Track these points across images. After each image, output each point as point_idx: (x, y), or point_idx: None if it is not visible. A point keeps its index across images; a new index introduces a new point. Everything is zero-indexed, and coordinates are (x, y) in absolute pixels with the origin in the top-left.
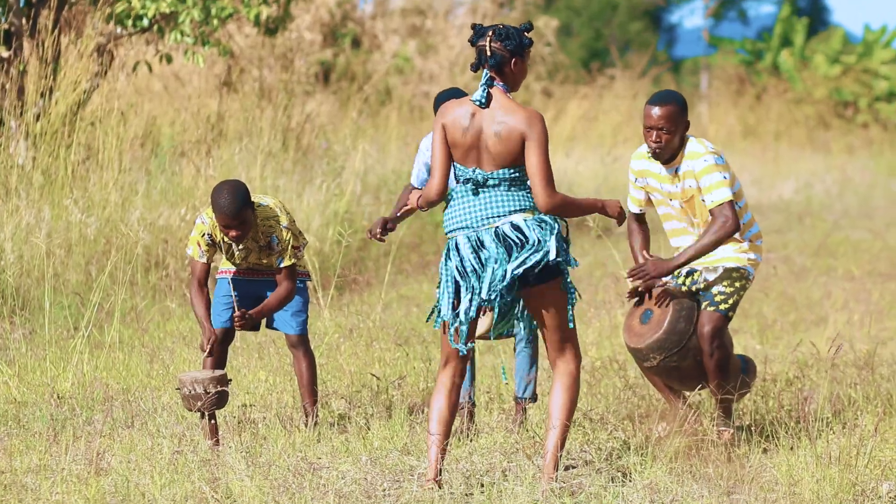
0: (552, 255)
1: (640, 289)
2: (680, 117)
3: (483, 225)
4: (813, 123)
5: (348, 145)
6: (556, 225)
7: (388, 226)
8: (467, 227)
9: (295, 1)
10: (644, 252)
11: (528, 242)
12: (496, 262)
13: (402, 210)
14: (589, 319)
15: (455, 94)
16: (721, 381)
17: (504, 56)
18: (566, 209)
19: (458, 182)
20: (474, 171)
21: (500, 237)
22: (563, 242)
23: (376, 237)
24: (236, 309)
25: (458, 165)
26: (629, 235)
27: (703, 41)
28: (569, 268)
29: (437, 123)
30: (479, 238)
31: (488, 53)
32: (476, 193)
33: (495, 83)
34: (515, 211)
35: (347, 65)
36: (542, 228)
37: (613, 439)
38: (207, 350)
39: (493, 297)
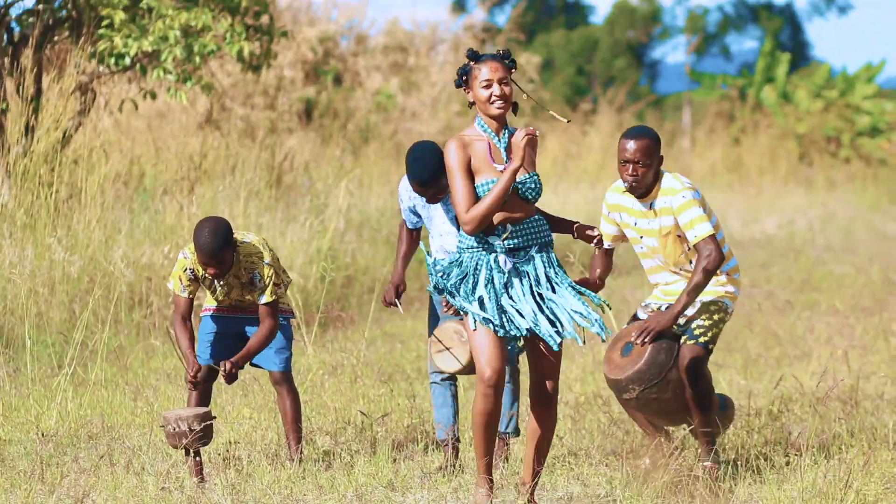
0: None
1: (646, 341)
2: (655, 151)
3: None
4: (795, 159)
5: (331, 183)
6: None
7: (400, 290)
8: None
9: (277, 38)
10: (596, 276)
11: None
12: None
13: (403, 260)
14: (573, 355)
15: (427, 146)
16: (702, 414)
17: (465, 93)
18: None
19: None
20: None
21: None
22: None
23: (394, 305)
24: (220, 366)
25: None
26: (591, 262)
27: (686, 77)
28: None
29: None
30: None
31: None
32: None
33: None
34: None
35: (329, 102)
36: None
37: (598, 474)
38: (192, 382)
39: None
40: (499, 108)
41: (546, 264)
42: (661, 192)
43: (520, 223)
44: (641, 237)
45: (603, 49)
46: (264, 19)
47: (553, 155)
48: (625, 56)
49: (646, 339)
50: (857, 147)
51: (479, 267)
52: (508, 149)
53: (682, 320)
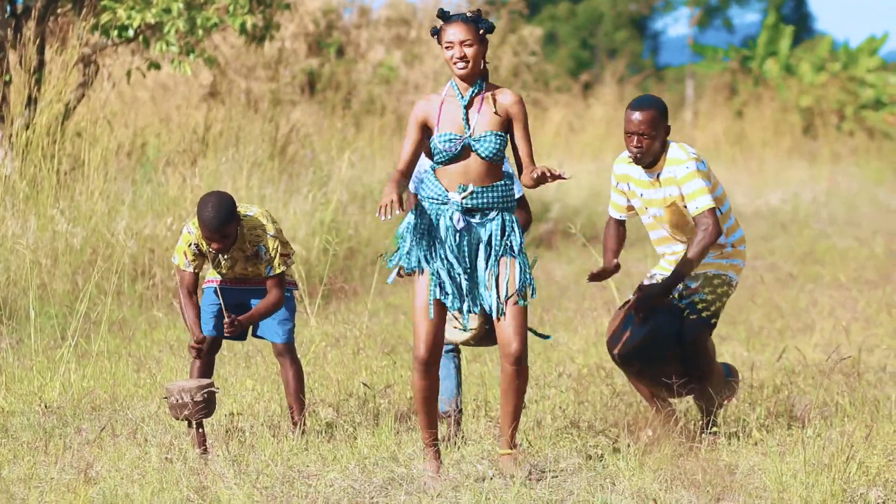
0: None
1: (640, 314)
2: (660, 122)
3: None
4: (799, 132)
5: (333, 155)
6: None
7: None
8: None
9: (280, 10)
10: (611, 256)
11: None
12: None
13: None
14: (575, 327)
15: None
16: (705, 387)
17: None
18: None
19: None
20: None
21: None
22: None
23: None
24: (225, 315)
25: None
26: (605, 234)
27: (688, 49)
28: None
29: None
30: None
31: None
32: None
33: None
34: None
35: (332, 74)
36: None
37: (600, 446)
38: (196, 352)
39: None
40: (460, 69)
41: (500, 229)
42: (667, 163)
43: (484, 186)
44: (647, 207)
45: (606, 22)
46: None
47: (556, 127)
48: (627, 28)
49: (640, 312)
50: (860, 120)
51: (436, 224)
52: (469, 105)
53: (685, 293)
